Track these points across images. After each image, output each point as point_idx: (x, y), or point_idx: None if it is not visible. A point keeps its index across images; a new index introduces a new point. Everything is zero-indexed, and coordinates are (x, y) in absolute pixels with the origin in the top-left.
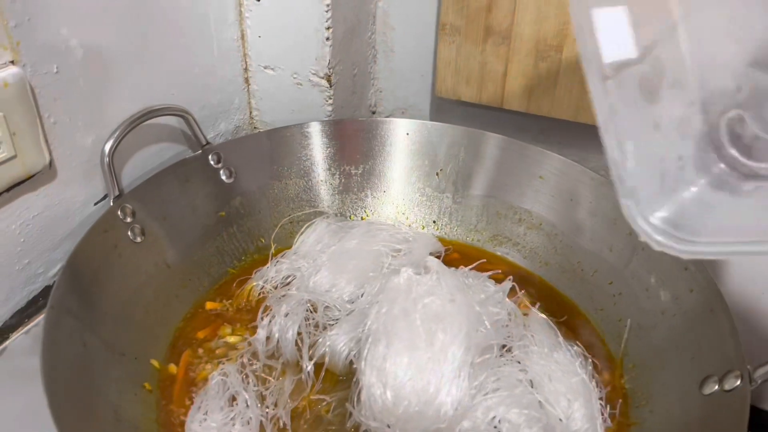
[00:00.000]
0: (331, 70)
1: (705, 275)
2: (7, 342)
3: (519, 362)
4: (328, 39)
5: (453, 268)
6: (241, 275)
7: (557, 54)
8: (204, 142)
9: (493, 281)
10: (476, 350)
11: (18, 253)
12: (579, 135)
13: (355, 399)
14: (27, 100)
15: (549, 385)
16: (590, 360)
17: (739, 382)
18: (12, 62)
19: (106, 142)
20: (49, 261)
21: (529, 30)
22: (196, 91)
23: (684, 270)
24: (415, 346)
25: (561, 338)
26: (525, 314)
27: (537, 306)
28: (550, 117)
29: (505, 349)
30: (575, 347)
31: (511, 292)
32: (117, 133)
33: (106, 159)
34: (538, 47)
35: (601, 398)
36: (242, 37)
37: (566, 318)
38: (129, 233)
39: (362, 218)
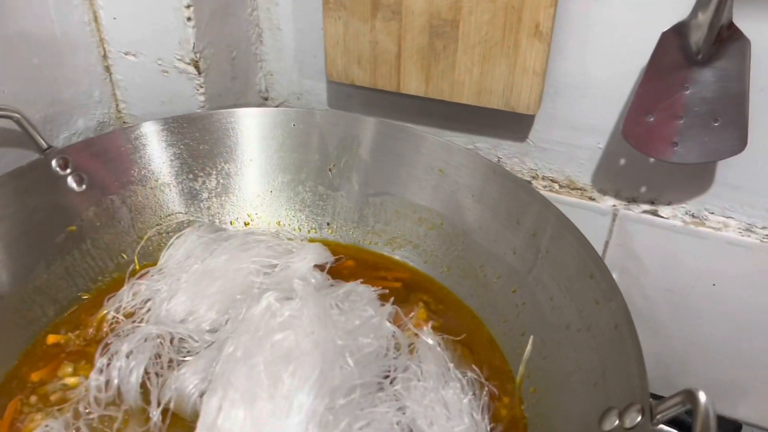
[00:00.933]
0: (197, 55)
1: (610, 284)
2: None
3: (398, 399)
4: (189, 19)
5: (332, 286)
6: (97, 299)
7: (453, 30)
8: (45, 146)
9: (379, 301)
10: (334, 394)
11: None
12: (488, 120)
13: None
14: None
15: (429, 429)
16: (486, 389)
17: (639, 419)
18: None
19: None
20: None
21: (420, 2)
22: (38, 85)
23: (589, 278)
24: (255, 396)
25: (452, 366)
26: (416, 334)
27: (430, 324)
28: (452, 101)
29: (388, 380)
30: (468, 376)
31: (406, 307)
32: None
33: None
34: (431, 22)
35: None
36: (95, 19)
37: (465, 335)
38: None
39: (246, 224)
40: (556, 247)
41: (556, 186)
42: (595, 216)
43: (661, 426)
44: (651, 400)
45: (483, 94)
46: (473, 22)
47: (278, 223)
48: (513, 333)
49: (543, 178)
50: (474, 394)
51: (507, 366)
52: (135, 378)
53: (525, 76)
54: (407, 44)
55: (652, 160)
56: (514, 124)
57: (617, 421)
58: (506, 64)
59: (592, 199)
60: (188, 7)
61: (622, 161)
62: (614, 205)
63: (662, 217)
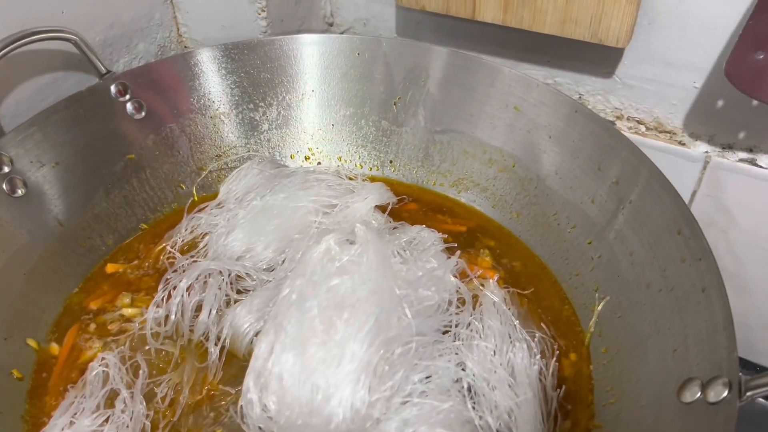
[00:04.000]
0: None
1: (700, 243)
2: None
3: (457, 353)
4: None
5: (394, 229)
6: (156, 230)
7: None
8: (103, 71)
9: (444, 254)
10: (390, 345)
11: None
12: (570, 54)
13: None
14: None
15: (490, 394)
16: (554, 349)
17: (726, 393)
18: None
19: None
20: None
21: None
22: (98, 6)
23: (677, 234)
24: (307, 342)
25: (518, 325)
26: (481, 285)
27: (496, 278)
28: (532, 31)
29: (448, 335)
30: (536, 337)
31: (471, 253)
32: None
33: None
34: None
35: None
36: None
37: (534, 289)
38: (4, 186)
39: (306, 158)
40: (640, 198)
41: (643, 128)
42: (683, 163)
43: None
44: (741, 374)
45: (568, 24)
46: None
47: (339, 159)
48: (585, 288)
49: (628, 119)
50: (540, 356)
51: (577, 322)
52: (190, 314)
53: (617, 4)
54: None
55: (755, 103)
56: (599, 58)
57: (699, 394)
58: None
59: (682, 143)
60: None
61: (720, 103)
62: (707, 152)
63: (761, 167)
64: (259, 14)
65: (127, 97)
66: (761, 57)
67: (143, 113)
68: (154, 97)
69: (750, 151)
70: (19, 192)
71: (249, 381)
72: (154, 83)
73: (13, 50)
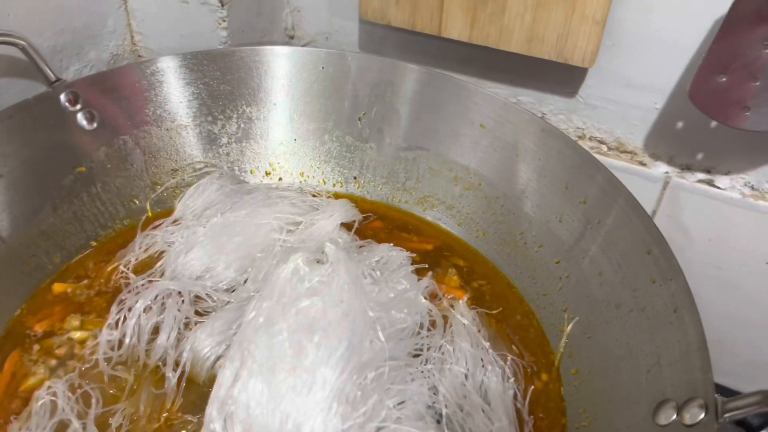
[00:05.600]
0: None
1: (671, 263)
2: None
3: (429, 378)
4: None
5: (365, 248)
6: (107, 248)
7: None
8: (53, 78)
9: (414, 274)
10: (363, 370)
11: None
12: (535, 72)
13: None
14: None
15: (464, 420)
16: (522, 370)
17: (702, 416)
18: None
19: None
20: None
21: None
22: (47, 11)
23: (646, 254)
24: (275, 367)
25: (489, 347)
26: (451, 306)
27: (466, 298)
28: (498, 49)
29: (419, 359)
30: (508, 359)
31: (438, 273)
32: None
33: None
34: None
35: None
36: None
37: (501, 309)
38: None
39: (267, 173)
40: (609, 217)
41: (604, 148)
42: (644, 183)
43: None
44: (717, 396)
45: (534, 42)
46: None
47: (302, 174)
48: (554, 308)
49: (590, 138)
50: (513, 379)
51: (546, 343)
52: (147, 337)
53: (583, 24)
54: None
55: (714, 124)
56: (563, 78)
57: (675, 416)
58: (563, 10)
59: (642, 164)
60: None
61: (680, 124)
62: (666, 172)
63: (718, 187)
64: (219, 24)
65: (78, 106)
66: (723, 80)
67: (95, 124)
68: (107, 106)
69: (708, 172)
70: None
71: (212, 410)
72: (108, 92)
73: None
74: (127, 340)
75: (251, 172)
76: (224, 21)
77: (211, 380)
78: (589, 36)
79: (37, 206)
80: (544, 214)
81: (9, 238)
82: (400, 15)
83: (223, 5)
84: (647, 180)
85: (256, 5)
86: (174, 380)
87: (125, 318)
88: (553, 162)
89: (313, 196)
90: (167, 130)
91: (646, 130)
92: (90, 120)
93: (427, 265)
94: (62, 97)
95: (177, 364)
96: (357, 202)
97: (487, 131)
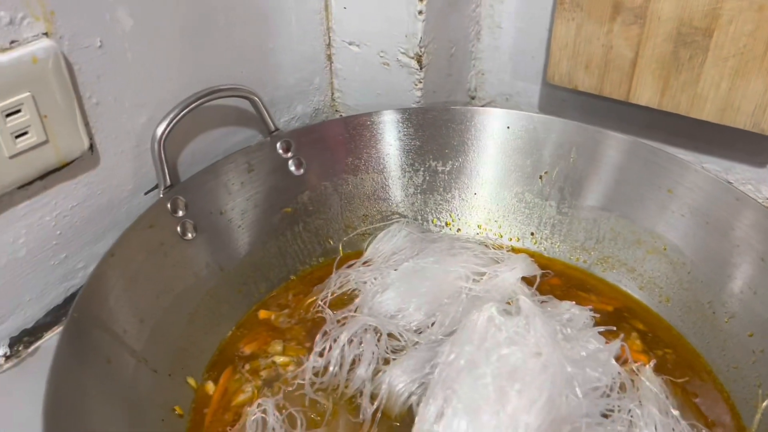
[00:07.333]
0: (422, 50)
1: None
2: (40, 341)
3: None
4: (421, 12)
5: (546, 303)
6: (304, 281)
7: (704, 39)
8: (273, 128)
9: (602, 336)
10: (561, 424)
11: (53, 247)
12: (723, 140)
13: None
14: (62, 78)
15: None
16: None
17: None
18: (45, 34)
19: (158, 126)
20: (90, 255)
21: (669, 7)
22: (270, 69)
23: None
24: (479, 409)
25: (678, 415)
26: (637, 370)
27: (652, 364)
28: (689, 116)
29: (609, 419)
30: (698, 429)
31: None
32: (171, 115)
33: (157, 144)
34: (680, 30)
35: None
36: (326, 8)
37: (688, 378)
38: (178, 229)
39: (447, 223)
40: None
41: None
42: None
43: None
44: None
45: (728, 112)
46: (731, 33)
47: (479, 226)
48: (745, 382)
49: None
50: None
51: (737, 417)
52: (348, 367)
53: None
54: (646, 51)
55: None
56: (754, 147)
57: None
58: (763, 81)
59: None
60: (422, 0)
61: None
62: None
63: None
64: (416, 85)
65: (290, 154)
66: None
67: (302, 170)
68: (314, 155)
69: None
70: (189, 236)
71: None
72: (316, 143)
73: (201, 104)
74: (330, 368)
75: (433, 222)
76: (420, 82)
77: (402, 416)
78: None
79: (252, 241)
80: (737, 285)
81: (226, 267)
82: (588, 80)
83: (421, 68)
84: None
85: (447, 68)
86: (370, 411)
87: (330, 347)
88: (748, 231)
89: (495, 248)
90: (362, 179)
91: None
92: (298, 166)
93: (615, 327)
94: (278, 145)
95: (373, 396)
96: (534, 257)
97: (675, 197)
